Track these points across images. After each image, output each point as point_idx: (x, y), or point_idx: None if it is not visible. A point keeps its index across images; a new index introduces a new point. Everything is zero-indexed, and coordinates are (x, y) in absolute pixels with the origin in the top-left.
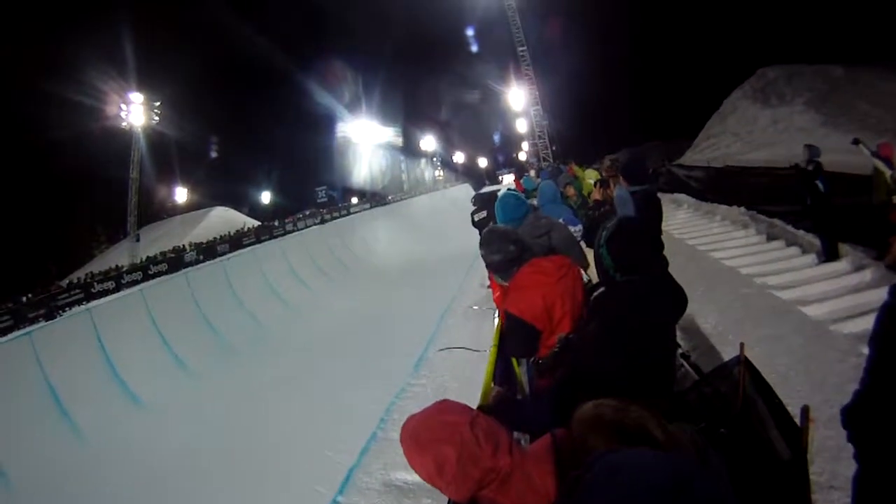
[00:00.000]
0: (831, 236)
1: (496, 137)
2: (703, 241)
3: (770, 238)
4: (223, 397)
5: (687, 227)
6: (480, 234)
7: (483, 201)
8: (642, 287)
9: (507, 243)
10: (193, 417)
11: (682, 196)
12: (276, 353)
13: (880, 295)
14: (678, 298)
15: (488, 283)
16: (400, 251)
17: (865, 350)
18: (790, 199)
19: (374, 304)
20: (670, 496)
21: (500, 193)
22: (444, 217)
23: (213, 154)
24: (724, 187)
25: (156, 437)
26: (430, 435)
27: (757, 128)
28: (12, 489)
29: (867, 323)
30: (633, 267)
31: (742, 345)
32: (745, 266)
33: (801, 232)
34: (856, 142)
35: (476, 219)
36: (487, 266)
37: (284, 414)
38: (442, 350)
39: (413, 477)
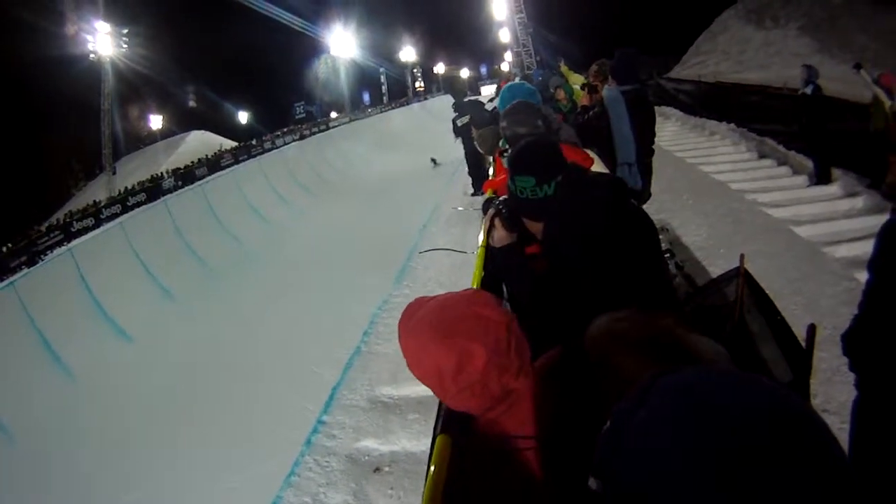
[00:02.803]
0: (824, 159)
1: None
2: (692, 154)
3: (761, 156)
4: (211, 322)
5: (676, 140)
6: (463, 141)
7: (464, 107)
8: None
9: (535, 117)
10: (183, 345)
11: (671, 109)
12: (260, 272)
13: (873, 222)
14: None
15: (471, 190)
16: (382, 163)
17: (857, 275)
18: (783, 119)
19: (356, 217)
20: (780, 423)
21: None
22: (426, 128)
23: (186, 79)
24: (715, 103)
25: (147, 369)
26: (460, 327)
27: (749, 48)
28: (10, 434)
29: (859, 248)
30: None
31: (742, 256)
32: (735, 181)
33: (793, 152)
34: (857, 67)
35: (459, 124)
36: (507, 140)
37: (272, 332)
38: (424, 252)
39: (399, 391)
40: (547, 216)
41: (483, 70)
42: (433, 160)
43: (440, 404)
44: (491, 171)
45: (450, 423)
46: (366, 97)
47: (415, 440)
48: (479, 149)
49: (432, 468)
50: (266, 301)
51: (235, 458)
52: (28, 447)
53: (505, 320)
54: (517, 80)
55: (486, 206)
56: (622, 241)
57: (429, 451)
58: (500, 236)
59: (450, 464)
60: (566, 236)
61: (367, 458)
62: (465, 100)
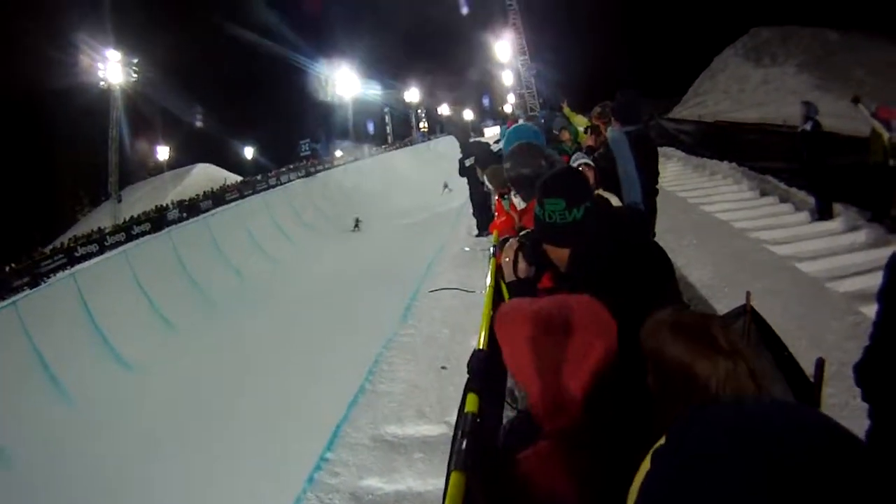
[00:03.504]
0: (826, 195)
1: (482, 94)
2: (695, 194)
3: (762, 194)
4: (210, 354)
5: (678, 179)
6: (468, 181)
7: (470, 148)
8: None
9: (538, 157)
10: (181, 376)
11: (672, 150)
12: (261, 308)
13: (875, 255)
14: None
15: (475, 231)
16: (386, 203)
17: (862, 309)
18: (784, 156)
19: (360, 256)
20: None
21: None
22: (430, 169)
23: (194, 111)
24: (715, 142)
25: (145, 397)
26: (583, 321)
27: (748, 87)
28: (6, 456)
29: (863, 282)
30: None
31: (748, 294)
32: (737, 220)
33: (794, 189)
34: (856, 100)
35: (466, 164)
36: (511, 181)
37: (272, 368)
38: (433, 291)
39: (403, 431)
40: (574, 242)
41: (486, 104)
42: (445, 185)
43: (454, 439)
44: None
45: (465, 460)
46: (370, 136)
47: (420, 480)
48: (489, 184)
49: None
50: (268, 337)
51: (233, 493)
52: (22, 467)
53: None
54: (521, 121)
55: (501, 247)
56: (645, 272)
57: (443, 489)
58: (521, 269)
59: (464, 502)
60: (593, 262)
61: (370, 496)
62: (471, 140)
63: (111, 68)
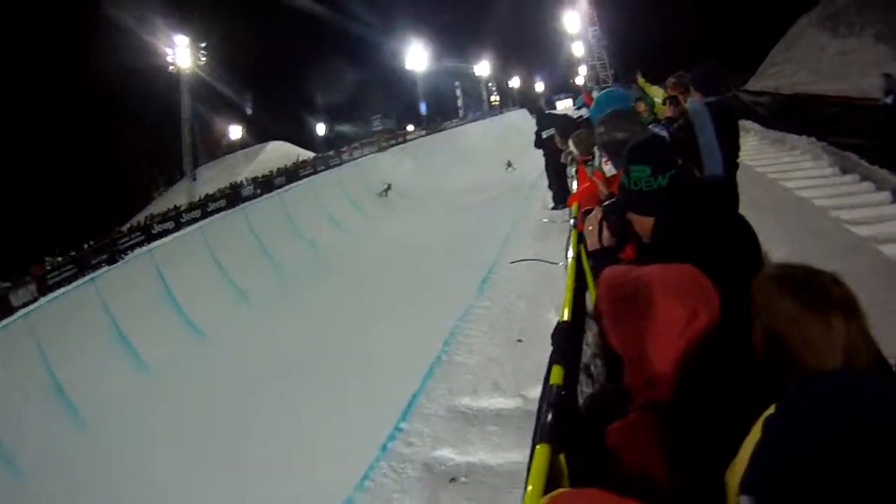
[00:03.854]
0: None
1: (553, 67)
2: (773, 169)
3: (843, 171)
4: (285, 326)
5: (756, 154)
6: (544, 154)
7: (549, 120)
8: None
9: (634, 123)
10: (256, 347)
11: (750, 123)
12: (336, 280)
13: None
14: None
15: (551, 204)
16: (459, 176)
17: None
18: (864, 132)
19: (435, 229)
20: None
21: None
22: (502, 142)
23: (265, 89)
24: (793, 116)
25: (220, 368)
26: (691, 289)
27: (824, 57)
28: (85, 423)
29: None
30: None
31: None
32: (818, 198)
33: (876, 167)
34: None
35: (544, 136)
36: (603, 146)
37: (348, 339)
38: (514, 262)
39: (478, 403)
40: (658, 210)
41: (557, 77)
42: (509, 163)
43: (539, 411)
44: (574, 185)
45: (550, 432)
46: (441, 110)
47: (492, 452)
48: (574, 150)
49: (530, 480)
50: (342, 308)
51: (306, 459)
52: (99, 434)
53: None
54: (594, 93)
55: (584, 217)
56: (732, 245)
57: (528, 461)
58: (604, 238)
59: (549, 475)
60: (677, 232)
61: (443, 467)
62: (547, 112)
63: (180, 53)
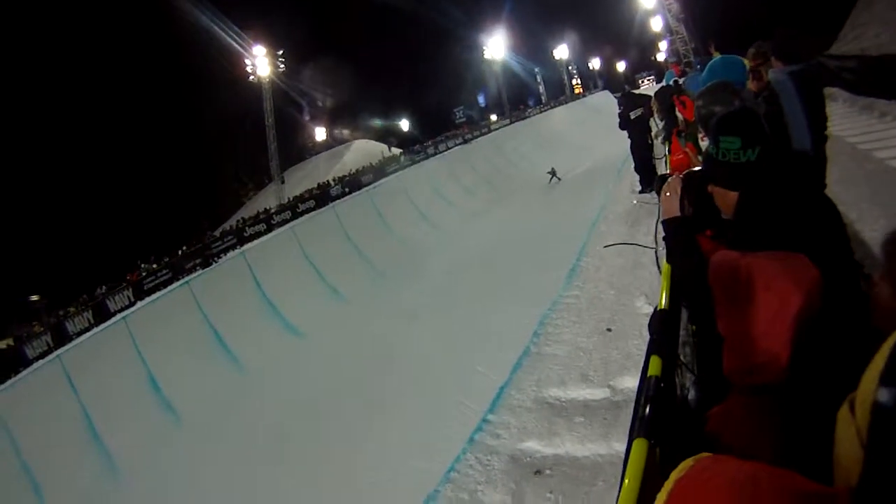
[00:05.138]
0: None
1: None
2: (864, 139)
3: None
4: (379, 321)
5: (845, 123)
6: (631, 135)
7: (635, 100)
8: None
9: (732, 97)
10: (350, 343)
11: (836, 90)
12: (427, 274)
13: None
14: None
15: (639, 188)
16: (545, 163)
17: None
18: None
19: (522, 218)
20: None
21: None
22: (586, 126)
23: (346, 89)
24: (883, 79)
25: (314, 364)
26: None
27: None
28: (178, 415)
29: None
30: None
31: None
32: None
33: None
34: None
35: (632, 117)
36: (701, 119)
37: (439, 333)
38: (608, 246)
39: (566, 394)
40: (745, 184)
41: (637, 55)
42: (553, 173)
43: (637, 404)
44: (663, 166)
45: (649, 426)
46: (522, 97)
47: (579, 444)
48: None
49: (627, 474)
50: (434, 302)
51: (395, 452)
52: (194, 430)
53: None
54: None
55: (660, 183)
56: (816, 225)
57: (624, 456)
58: (676, 207)
59: (646, 469)
60: (762, 208)
61: (529, 459)
62: (633, 92)
63: (260, 63)
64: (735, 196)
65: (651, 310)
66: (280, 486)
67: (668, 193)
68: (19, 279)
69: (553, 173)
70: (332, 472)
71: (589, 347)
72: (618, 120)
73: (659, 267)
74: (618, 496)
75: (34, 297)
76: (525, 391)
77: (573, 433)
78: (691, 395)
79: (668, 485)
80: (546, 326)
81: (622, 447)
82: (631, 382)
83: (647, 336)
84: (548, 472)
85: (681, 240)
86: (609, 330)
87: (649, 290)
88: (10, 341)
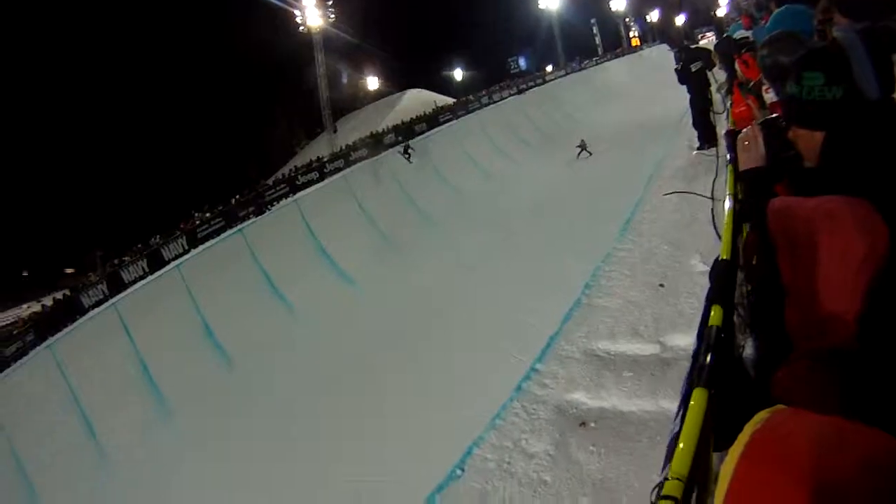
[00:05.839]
0: None
1: None
2: None
3: None
4: (427, 268)
5: None
6: (690, 89)
7: (695, 54)
8: None
9: (799, 46)
10: (400, 289)
11: None
12: (479, 223)
13: None
14: None
15: (697, 144)
16: (600, 116)
17: None
18: None
19: (577, 169)
20: None
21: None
22: (643, 80)
23: (400, 38)
24: None
25: (364, 311)
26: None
27: None
28: (228, 358)
29: None
30: None
31: None
32: None
33: None
34: None
35: (693, 69)
36: (765, 70)
37: (489, 281)
38: (667, 194)
39: (616, 347)
40: (831, 124)
41: (696, 9)
42: (582, 146)
43: (696, 354)
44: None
45: (710, 376)
46: (578, 49)
47: (626, 399)
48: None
49: (686, 424)
50: (484, 250)
51: (441, 399)
52: (244, 371)
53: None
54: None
55: (730, 137)
56: None
57: (679, 405)
58: (760, 156)
59: (704, 420)
60: (848, 152)
61: (574, 410)
62: (691, 47)
63: (309, 13)
64: (821, 137)
65: (706, 268)
66: (322, 424)
67: (746, 142)
68: (78, 234)
69: (583, 146)
70: (373, 415)
71: (640, 302)
72: (676, 75)
73: (715, 225)
74: (672, 447)
75: (69, 270)
76: (574, 342)
77: (620, 387)
78: (749, 353)
79: (744, 437)
80: (598, 278)
81: (669, 405)
82: (681, 341)
83: (699, 295)
84: (592, 424)
85: (760, 190)
86: (661, 286)
87: (704, 248)
88: (67, 291)
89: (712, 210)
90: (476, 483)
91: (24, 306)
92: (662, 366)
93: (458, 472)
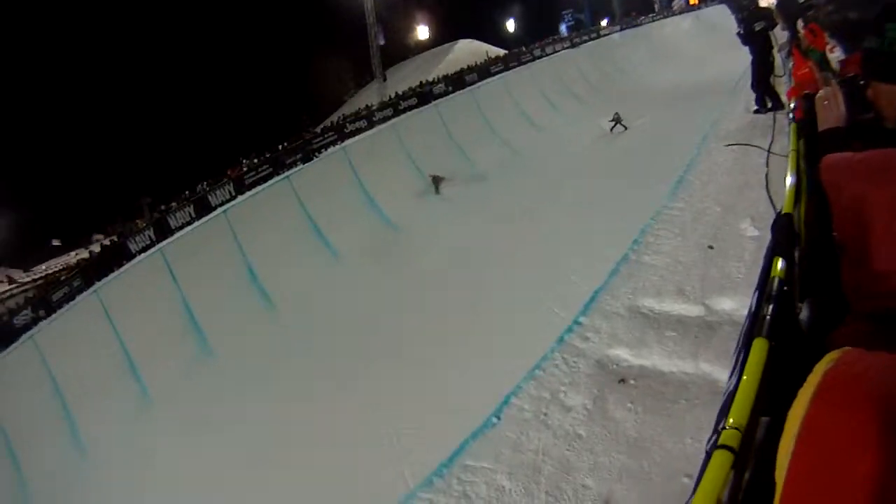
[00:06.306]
0: None
1: None
2: None
3: None
4: (475, 221)
5: None
6: (753, 49)
7: (758, 14)
8: None
9: (873, 4)
10: (443, 240)
11: None
12: (529, 176)
13: None
14: None
15: (755, 107)
16: (654, 74)
17: None
18: None
19: (630, 125)
20: None
21: None
22: (701, 40)
23: None
24: None
25: (407, 257)
26: None
27: None
28: (275, 307)
29: None
30: None
31: None
32: None
33: None
34: None
35: (757, 28)
36: (831, 27)
37: (535, 236)
38: (729, 145)
39: (660, 306)
40: None
41: None
42: (617, 119)
43: (757, 304)
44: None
45: (771, 327)
46: (634, 5)
47: (667, 359)
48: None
49: (746, 372)
50: (533, 205)
51: (482, 346)
52: (287, 316)
53: None
54: None
55: (807, 99)
56: None
57: (736, 350)
58: (838, 115)
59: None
60: None
61: (615, 366)
62: (753, 7)
63: None
64: None
65: (756, 233)
66: (370, 363)
67: (826, 102)
68: (127, 183)
69: (617, 120)
70: (417, 359)
71: (688, 262)
72: (736, 36)
73: (768, 190)
74: (728, 401)
75: (98, 237)
76: (619, 298)
77: (662, 346)
78: (804, 314)
79: (815, 377)
80: (647, 236)
81: (710, 369)
82: (727, 304)
83: (748, 260)
84: (632, 382)
85: (838, 151)
86: (711, 247)
87: (756, 212)
88: (115, 237)
89: (766, 176)
90: (511, 433)
91: (73, 253)
92: (706, 329)
93: (495, 419)
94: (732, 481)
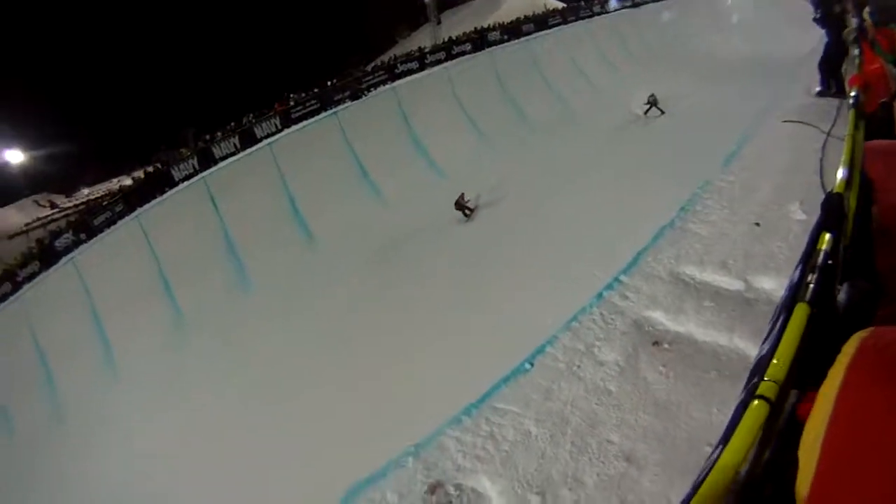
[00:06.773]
0: None
1: None
2: None
3: None
4: (523, 175)
5: None
6: (830, 32)
7: None
8: None
9: None
10: (491, 190)
11: None
12: (581, 133)
13: None
14: None
15: (817, 88)
16: (714, 44)
17: None
18: None
19: (686, 93)
20: None
21: None
22: (764, 11)
23: None
24: None
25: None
26: None
27: None
28: (315, 240)
29: None
30: None
31: None
32: None
33: None
34: None
35: (837, 10)
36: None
37: (581, 194)
38: (786, 122)
39: (702, 275)
40: None
41: None
42: (652, 101)
43: (802, 273)
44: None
45: (815, 295)
46: None
47: (702, 328)
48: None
49: (786, 337)
50: (582, 161)
51: (525, 300)
52: (325, 251)
53: None
54: None
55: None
56: None
57: (773, 318)
58: None
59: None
60: None
61: (650, 328)
62: None
63: None
64: None
65: (805, 217)
66: (409, 307)
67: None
68: (172, 112)
69: (652, 103)
70: (450, 311)
71: (734, 236)
72: (813, 21)
73: (821, 176)
74: (761, 360)
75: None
76: (662, 262)
77: (700, 315)
78: (842, 296)
79: (850, 348)
80: (695, 204)
81: (744, 345)
82: (768, 284)
83: (792, 243)
84: (666, 346)
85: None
86: (757, 224)
87: (806, 196)
88: (159, 164)
89: (821, 160)
90: (543, 380)
91: (115, 180)
92: (744, 305)
93: (527, 366)
94: (756, 448)
